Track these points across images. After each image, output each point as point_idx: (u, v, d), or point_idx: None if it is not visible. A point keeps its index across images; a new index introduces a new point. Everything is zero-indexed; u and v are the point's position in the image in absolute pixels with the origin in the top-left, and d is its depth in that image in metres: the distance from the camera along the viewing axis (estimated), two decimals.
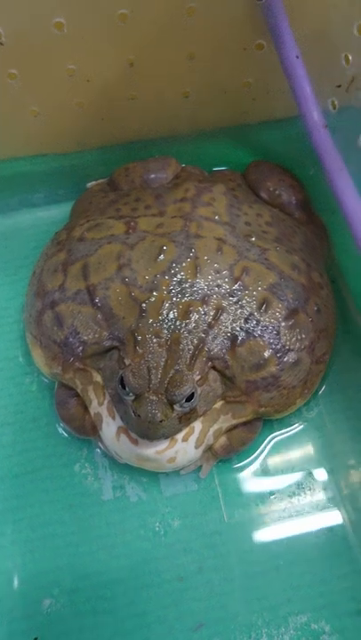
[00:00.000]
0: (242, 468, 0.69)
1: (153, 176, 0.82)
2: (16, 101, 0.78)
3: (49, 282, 0.70)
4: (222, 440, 0.68)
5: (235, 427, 0.67)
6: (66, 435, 0.71)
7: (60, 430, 0.71)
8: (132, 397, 0.58)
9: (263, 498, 0.68)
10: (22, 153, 0.91)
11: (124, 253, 0.68)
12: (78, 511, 0.66)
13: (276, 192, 0.81)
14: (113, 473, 0.68)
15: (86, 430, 0.68)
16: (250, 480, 0.68)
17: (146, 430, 0.58)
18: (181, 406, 0.59)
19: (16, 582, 0.64)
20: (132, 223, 0.72)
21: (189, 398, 0.59)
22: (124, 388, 0.58)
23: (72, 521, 0.66)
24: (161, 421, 0.57)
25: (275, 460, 0.70)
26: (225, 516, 0.66)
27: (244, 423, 0.67)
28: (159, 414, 0.57)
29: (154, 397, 0.57)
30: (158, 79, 0.79)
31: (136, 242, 0.69)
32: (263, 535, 0.66)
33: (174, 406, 0.58)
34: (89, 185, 0.87)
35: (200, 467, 0.68)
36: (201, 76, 0.79)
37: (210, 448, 0.68)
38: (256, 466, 0.69)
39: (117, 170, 0.84)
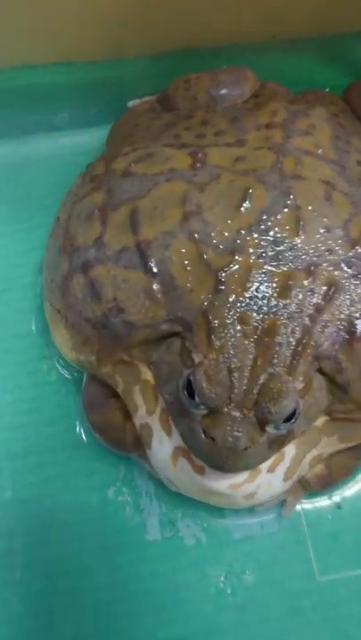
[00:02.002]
0: (339, 504, 0.53)
1: (224, 91, 0.61)
2: None
3: (80, 233, 0.51)
4: (319, 468, 0.50)
5: (338, 451, 0.50)
6: (97, 447, 0.54)
7: (89, 439, 0.54)
8: (204, 412, 0.42)
9: None
10: (41, 59, 0.72)
11: (191, 196, 0.49)
12: (113, 556, 0.51)
13: None
14: (161, 503, 0.53)
15: (126, 445, 0.51)
16: (351, 521, 0.52)
17: (222, 460, 0.41)
18: (277, 428, 0.42)
19: None
20: (200, 155, 0.52)
21: (290, 417, 0.42)
22: (192, 397, 0.41)
23: (104, 569, 0.50)
24: (245, 449, 0.41)
25: None
26: (316, 570, 0.51)
27: (350, 447, 0.50)
28: (244, 439, 0.41)
29: (237, 414, 0.41)
30: None
31: (207, 181, 0.50)
32: None
33: (266, 427, 0.41)
34: (131, 104, 0.66)
35: (283, 500, 0.52)
36: None
37: (300, 478, 0.50)
38: (358, 501, 0.53)
39: (173, 82, 0.63)
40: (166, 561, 0.51)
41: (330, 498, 0.53)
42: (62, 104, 0.69)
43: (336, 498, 0.53)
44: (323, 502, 0.53)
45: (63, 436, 0.54)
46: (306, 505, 0.52)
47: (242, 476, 0.45)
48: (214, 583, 0.50)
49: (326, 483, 0.51)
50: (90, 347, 0.49)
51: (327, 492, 0.52)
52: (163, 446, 0.47)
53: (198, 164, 0.51)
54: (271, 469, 0.46)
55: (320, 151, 0.53)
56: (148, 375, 0.48)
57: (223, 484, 0.45)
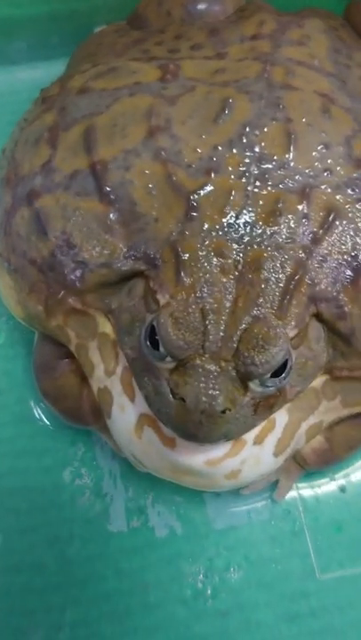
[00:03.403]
0: (343, 487, 0.46)
1: (202, 6, 0.53)
2: None
3: (26, 160, 0.44)
4: (318, 441, 0.43)
5: (340, 420, 0.42)
6: (51, 420, 0.48)
7: (43, 412, 0.48)
8: (172, 365, 0.35)
9: None
10: None
11: (159, 110, 0.41)
12: (68, 550, 0.44)
13: None
14: (128, 487, 0.46)
15: (84, 415, 0.44)
16: (357, 507, 0.46)
17: (195, 427, 0.34)
18: (263, 384, 0.35)
19: None
20: (172, 66, 0.45)
21: (279, 371, 0.34)
22: (155, 346, 0.35)
23: (57, 566, 0.44)
24: (224, 411, 0.34)
25: None
26: (316, 566, 0.44)
27: (356, 415, 0.42)
28: (221, 399, 0.34)
29: (212, 367, 0.34)
30: None
31: (180, 93, 0.43)
32: None
33: (250, 384, 0.35)
34: (98, 29, 0.57)
35: (275, 482, 0.45)
36: None
37: (295, 454, 0.43)
38: None
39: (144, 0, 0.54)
40: (133, 556, 0.45)
41: (332, 479, 0.46)
42: (20, 34, 0.62)
43: (340, 480, 0.46)
44: (323, 485, 0.46)
45: (11, 408, 0.48)
46: (303, 488, 0.46)
47: (221, 449, 0.38)
48: (191, 583, 0.44)
49: (327, 459, 0.44)
50: (36, 295, 0.41)
51: (329, 472, 0.46)
52: (125, 414, 0.40)
53: (169, 76, 0.43)
54: (259, 441, 0.39)
55: (316, 62, 0.45)
56: (106, 327, 0.41)
57: (198, 459, 0.38)
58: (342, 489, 0.45)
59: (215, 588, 0.43)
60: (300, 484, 0.46)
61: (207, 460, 0.38)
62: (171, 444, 0.38)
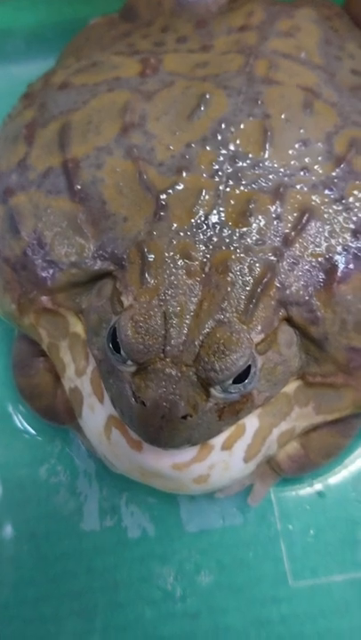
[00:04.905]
0: (322, 492, 0.44)
1: None
2: None
3: (4, 157, 0.43)
4: (293, 447, 0.41)
5: (316, 426, 0.41)
6: (30, 418, 0.46)
7: (22, 410, 0.47)
8: (133, 369, 0.34)
9: (356, 544, 0.43)
10: None
11: (135, 106, 0.40)
12: (42, 547, 0.43)
13: None
14: (102, 486, 0.45)
15: (58, 414, 0.43)
16: (335, 513, 0.43)
17: (155, 431, 0.33)
18: (225, 390, 0.33)
19: None
20: (153, 60, 0.43)
21: (242, 377, 0.33)
22: (117, 349, 0.33)
23: (31, 562, 0.43)
24: (185, 417, 0.33)
25: None
26: (289, 573, 0.42)
27: (333, 421, 0.40)
28: (182, 405, 0.33)
29: (173, 371, 0.33)
30: None
31: (158, 89, 0.42)
32: (355, 608, 0.41)
33: (212, 389, 0.33)
34: (92, 21, 0.56)
35: (249, 487, 0.43)
36: None
37: (269, 460, 0.41)
38: (345, 489, 0.44)
39: None
40: (105, 555, 0.43)
41: (310, 485, 0.44)
42: (18, 32, 0.61)
43: (318, 485, 0.44)
44: (301, 490, 0.44)
45: None
46: (280, 493, 0.44)
47: (188, 454, 0.37)
48: (161, 585, 0.42)
49: (303, 466, 0.42)
50: (10, 293, 0.41)
51: (307, 477, 0.44)
52: (95, 415, 0.39)
53: (149, 71, 0.42)
54: (227, 446, 0.37)
55: (303, 54, 0.43)
56: (77, 327, 0.40)
57: (164, 462, 0.37)
58: (320, 494, 0.43)
59: (185, 591, 0.41)
60: (277, 489, 0.44)
61: (173, 464, 0.37)
62: (137, 447, 0.37)
